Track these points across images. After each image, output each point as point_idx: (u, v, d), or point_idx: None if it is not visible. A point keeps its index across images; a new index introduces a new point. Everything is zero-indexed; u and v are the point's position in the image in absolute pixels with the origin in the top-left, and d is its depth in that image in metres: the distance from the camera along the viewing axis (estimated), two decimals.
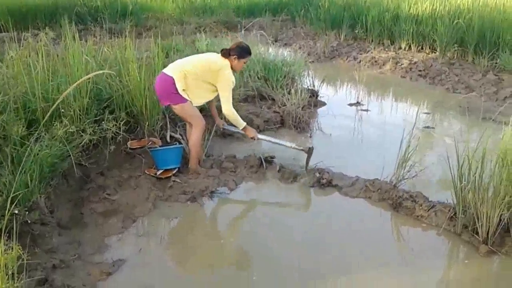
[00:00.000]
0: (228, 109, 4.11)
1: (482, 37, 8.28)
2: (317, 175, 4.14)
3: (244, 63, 4.23)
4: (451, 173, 3.37)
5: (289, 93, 5.90)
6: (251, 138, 4.30)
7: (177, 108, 4.07)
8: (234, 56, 4.09)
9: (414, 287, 2.89)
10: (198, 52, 6.68)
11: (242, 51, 4.13)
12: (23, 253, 2.23)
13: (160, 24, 12.87)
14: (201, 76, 4.04)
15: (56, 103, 2.30)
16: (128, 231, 3.40)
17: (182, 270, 3.06)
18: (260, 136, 4.37)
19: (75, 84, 2.08)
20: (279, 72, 6.30)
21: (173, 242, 3.32)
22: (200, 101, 4.16)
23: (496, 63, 8.05)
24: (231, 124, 4.36)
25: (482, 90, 7.23)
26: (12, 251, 2.10)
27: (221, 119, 4.58)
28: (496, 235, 3.13)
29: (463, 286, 2.95)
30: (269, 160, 4.41)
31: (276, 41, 11.63)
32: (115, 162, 4.18)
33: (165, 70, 4.09)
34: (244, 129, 4.26)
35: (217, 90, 4.11)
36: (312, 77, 6.79)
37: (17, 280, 2.16)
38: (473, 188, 3.21)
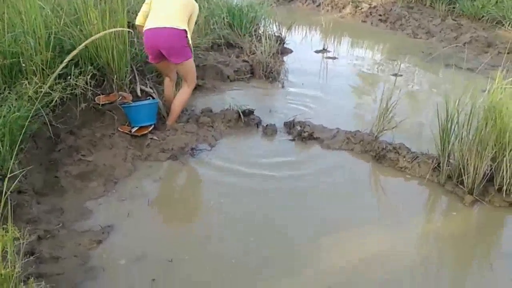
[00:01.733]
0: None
1: None
2: (298, 128, 4.08)
3: None
4: (439, 124, 3.40)
5: (258, 40, 5.70)
6: None
7: (186, 64, 3.86)
8: None
9: (401, 238, 2.94)
10: None
11: None
12: (20, 235, 2.02)
13: None
14: (188, 15, 3.86)
15: (67, 59, 2.00)
16: (111, 194, 3.21)
17: (175, 233, 2.95)
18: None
19: (90, 40, 1.82)
20: (246, 18, 6.03)
21: (161, 204, 3.19)
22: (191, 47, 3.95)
23: (453, 7, 8.15)
24: None
25: (442, 36, 7.33)
26: (7, 233, 1.89)
27: None
28: (481, 186, 3.24)
29: (451, 235, 3.04)
30: (247, 113, 4.28)
31: None
32: (85, 120, 3.90)
33: (164, 23, 3.71)
34: None
35: None
36: (278, 23, 6.56)
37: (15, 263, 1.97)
38: (459, 140, 3.27)
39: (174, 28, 3.71)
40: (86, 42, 2.04)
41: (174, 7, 3.80)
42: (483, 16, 7.58)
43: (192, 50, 3.92)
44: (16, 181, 2.74)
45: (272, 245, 2.81)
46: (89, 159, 3.51)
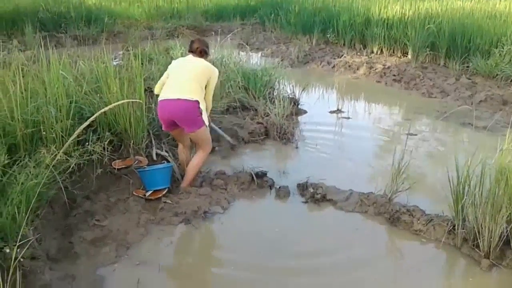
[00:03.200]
0: (210, 104, 4.20)
1: (453, 41, 8.48)
2: (311, 190, 4.08)
3: None
4: (451, 187, 3.37)
5: (272, 102, 5.84)
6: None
7: (199, 132, 3.94)
8: (208, 55, 4.20)
9: None
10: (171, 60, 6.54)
11: (208, 47, 4.22)
12: None
13: (127, 29, 12.57)
14: (204, 83, 3.98)
15: (88, 120, 2.09)
16: (123, 260, 3.22)
17: None
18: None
19: (107, 108, 1.93)
20: (260, 81, 6.22)
21: (172, 270, 3.17)
22: (206, 116, 4.05)
23: (467, 66, 8.25)
24: None
25: (457, 95, 7.37)
26: None
27: None
28: (497, 249, 3.15)
29: None
30: (260, 175, 4.31)
31: (247, 46, 11.54)
32: (101, 184, 3.99)
33: (177, 95, 3.83)
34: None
35: None
36: (292, 85, 6.73)
37: None
38: (473, 203, 3.22)
39: (187, 100, 3.80)
40: (102, 110, 2.14)
41: (189, 78, 3.90)
42: (497, 74, 7.62)
43: (207, 118, 3.99)
44: (27, 247, 2.80)
45: None
46: (103, 224, 3.56)
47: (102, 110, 2.19)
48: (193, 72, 3.95)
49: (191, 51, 4.10)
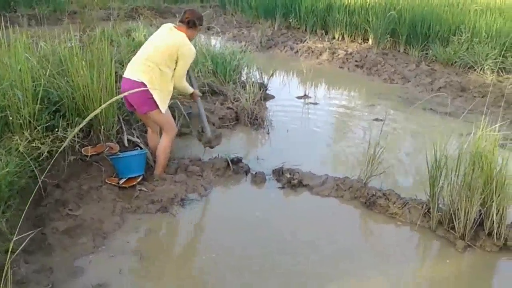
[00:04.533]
0: (183, 82, 3.96)
1: (413, 29, 8.70)
2: (288, 175, 4.09)
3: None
4: (428, 170, 3.46)
5: (241, 87, 5.78)
6: (197, 98, 4.26)
7: (154, 114, 3.79)
8: (200, 26, 3.96)
9: (394, 286, 2.95)
10: (134, 43, 6.34)
11: (201, 19, 3.97)
12: None
13: (82, 9, 12.03)
14: (165, 67, 3.75)
15: (88, 118, 1.97)
16: (101, 250, 3.11)
17: None
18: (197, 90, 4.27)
19: (105, 105, 1.83)
20: (229, 66, 6.14)
21: (153, 259, 3.08)
22: (169, 95, 3.90)
23: (427, 53, 8.49)
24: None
25: (417, 81, 7.59)
26: None
27: None
28: (472, 231, 3.28)
29: (444, 281, 3.05)
30: (236, 161, 4.28)
31: (208, 29, 11.34)
32: (71, 172, 3.82)
33: (129, 75, 3.72)
34: (192, 93, 4.18)
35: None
36: (260, 70, 6.69)
37: None
38: (449, 186, 3.33)
39: (134, 81, 3.68)
40: (106, 104, 2.02)
41: (147, 57, 3.74)
42: (455, 62, 7.91)
43: (164, 102, 3.81)
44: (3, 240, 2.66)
45: None
46: (76, 213, 3.42)
47: (106, 104, 2.06)
48: (154, 50, 3.77)
49: (181, 21, 3.89)
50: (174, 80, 3.88)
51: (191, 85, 4.17)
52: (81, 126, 1.65)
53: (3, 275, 2.17)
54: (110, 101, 1.75)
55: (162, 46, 3.76)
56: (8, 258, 2.18)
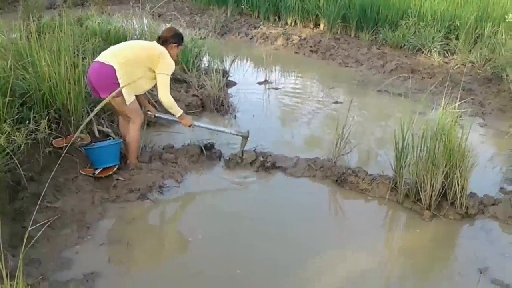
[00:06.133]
0: (166, 96, 3.88)
1: (363, 13, 8.99)
2: (261, 159, 4.21)
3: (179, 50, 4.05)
4: (395, 147, 3.70)
5: (204, 74, 5.82)
6: (188, 126, 4.15)
7: (116, 101, 3.75)
8: (175, 44, 3.91)
9: (368, 257, 3.16)
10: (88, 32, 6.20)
11: (180, 38, 3.99)
12: None
13: None
14: (142, 62, 3.79)
15: (83, 124, 1.98)
16: (86, 240, 3.13)
17: (160, 274, 2.92)
18: (196, 123, 4.24)
19: (101, 105, 1.85)
20: (190, 53, 6.14)
21: (140, 246, 3.13)
22: (139, 90, 3.91)
23: (377, 37, 8.84)
24: (167, 112, 4.15)
25: (370, 64, 7.91)
26: None
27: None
28: (436, 202, 3.56)
29: (416, 248, 3.31)
30: (209, 147, 4.35)
31: (159, 16, 11.16)
32: (44, 165, 3.75)
33: (101, 59, 3.73)
34: (180, 117, 4.06)
35: (155, 78, 3.89)
36: (222, 57, 6.73)
37: None
38: (415, 161, 3.58)
39: (102, 63, 3.70)
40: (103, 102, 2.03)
41: (119, 47, 3.87)
42: (404, 45, 8.29)
43: (128, 95, 3.79)
44: None
45: (254, 273, 2.94)
46: (55, 205, 3.39)
47: (102, 104, 2.07)
48: (133, 45, 3.95)
49: (157, 41, 3.96)
50: (158, 93, 3.88)
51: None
52: (99, 106, 1.68)
53: None
54: (111, 96, 1.78)
55: (143, 44, 3.95)
56: None
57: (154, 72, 3.85)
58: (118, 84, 3.65)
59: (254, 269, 2.97)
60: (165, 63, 3.83)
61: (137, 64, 3.76)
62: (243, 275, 2.89)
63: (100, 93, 3.75)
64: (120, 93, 3.71)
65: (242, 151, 4.29)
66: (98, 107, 2.02)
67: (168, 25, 9.74)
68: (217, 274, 2.90)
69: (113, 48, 3.87)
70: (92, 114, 1.92)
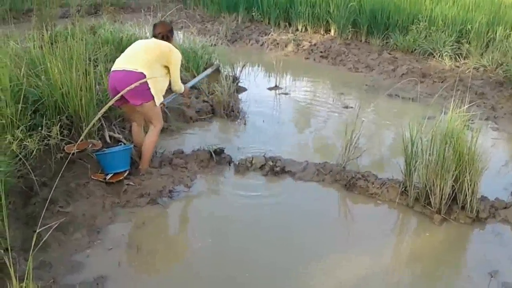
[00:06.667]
0: (180, 85, 4.19)
1: (374, 19, 8.99)
2: (270, 163, 4.23)
3: None
4: (405, 150, 3.69)
5: (216, 81, 5.87)
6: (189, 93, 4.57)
7: (147, 106, 3.85)
8: (172, 36, 4.15)
9: (378, 261, 3.14)
10: (101, 40, 6.30)
11: (172, 30, 4.19)
12: None
13: (39, 7, 11.68)
14: (159, 60, 3.91)
15: (92, 122, 2.05)
16: (96, 244, 3.17)
17: (169, 279, 2.94)
18: (188, 85, 4.56)
19: (107, 106, 1.91)
20: (200, 60, 6.20)
21: (150, 251, 3.16)
22: (163, 90, 4.04)
23: (387, 42, 8.82)
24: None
25: (381, 69, 7.89)
26: None
27: None
28: (446, 205, 3.54)
29: (425, 252, 3.28)
30: (218, 152, 4.38)
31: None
32: (56, 170, 3.81)
33: (126, 66, 3.78)
34: (184, 91, 4.38)
35: (167, 73, 4.03)
36: (232, 63, 6.77)
37: None
38: (425, 164, 3.57)
39: (131, 71, 3.75)
40: (106, 106, 2.08)
41: (139, 51, 3.92)
42: (415, 49, 8.26)
43: (159, 98, 3.94)
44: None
45: (262, 278, 2.93)
46: (67, 210, 3.44)
47: (108, 105, 2.12)
48: (145, 46, 3.98)
49: (154, 36, 4.09)
50: (172, 84, 4.11)
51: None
52: (105, 108, 1.72)
53: None
54: (117, 97, 1.82)
55: (155, 42, 3.99)
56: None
57: (166, 67, 3.98)
58: (149, 89, 3.76)
59: (262, 274, 2.97)
60: (177, 56, 4.01)
61: (156, 64, 3.89)
62: (250, 280, 2.89)
63: (131, 101, 3.82)
64: (152, 98, 3.84)
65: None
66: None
67: (179, 32, 9.90)
68: (227, 278, 2.91)
69: (127, 54, 3.92)
70: (98, 115, 1.93)
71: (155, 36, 4.07)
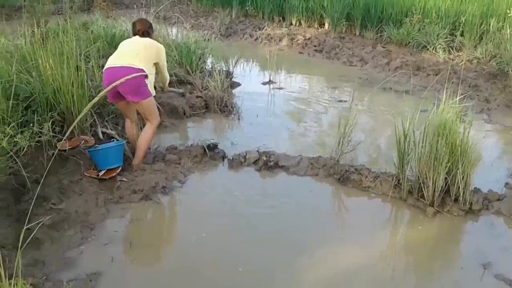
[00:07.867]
0: (167, 75, 4.42)
1: (367, 12, 8.98)
2: (264, 158, 4.22)
3: None
4: (397, 143, 3.69)
5: (208, 76, 5.85)
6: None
7: (145, 103, 3.86)
8: (153, 32, 4.25)
9: (372, 253, 3.14)
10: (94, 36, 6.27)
11: (151, 26, 4.25)
12: None
13: (31, 3, 11.60)
14: (152, 57, 3.96)
15: (81, 113, 2.04)
16: (90, 241, 3.15)
17: (163, 274, 2.93)
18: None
19: (97, 97, 1.89)
20: (194, 55, 6.17)
21: (144, 246, 3.15)
22: (153, 88, 4.04)
23: (381, 35, 8.81)
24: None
25: (375, 62, 7.89)
26: None
27: None
28: (439, 198, 3.54)
29: (419, 245, 3.29)
30: (212, 148, 4.37)
31: (165, 19, 11.22)
32: (49, 167, 3.79)
33: (123, 63, 3.77)
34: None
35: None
36: (225, 58, 6.75)
37: None
38: (418, 157, 3.57)
39: (130, 67, 3.74)
40: (96, 98, 2.05)
41: (135, 48, 3.92)
42: (409, 42, 8.26)
43: (153, 90, 3.98)
44: None
45: (255, 272, 2.93)
46: (60, 207, 3.43)
47: (100, 95, 2.09)
48: (138, 44, 3.98)
49: (135, 33, 4.12)
50: (161, 78, 4.28)
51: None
52: (92, 103, 1.70)
53: None
54: (113, 85, 1.81)
55: (146, 40, 4.02)
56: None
57: (155, 64, 4.04)
58: (146, 86, 3.80)
59: (255, 267, 2.97)
60: (163, 52, 4.11)
61: (152, 61, 3.96)
62: (244, 273, 2.89)
63: (130, 98, 3.84)
64: (149, 95, 3.87)
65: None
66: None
67: (172, 28, 9.86)
68: (220, 273, 2.90)
69: (123, 51, 3.91)
70: (90, 104, 1.90)
71: (135, 33, 4.09)
